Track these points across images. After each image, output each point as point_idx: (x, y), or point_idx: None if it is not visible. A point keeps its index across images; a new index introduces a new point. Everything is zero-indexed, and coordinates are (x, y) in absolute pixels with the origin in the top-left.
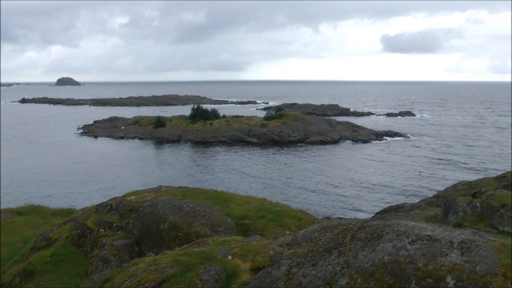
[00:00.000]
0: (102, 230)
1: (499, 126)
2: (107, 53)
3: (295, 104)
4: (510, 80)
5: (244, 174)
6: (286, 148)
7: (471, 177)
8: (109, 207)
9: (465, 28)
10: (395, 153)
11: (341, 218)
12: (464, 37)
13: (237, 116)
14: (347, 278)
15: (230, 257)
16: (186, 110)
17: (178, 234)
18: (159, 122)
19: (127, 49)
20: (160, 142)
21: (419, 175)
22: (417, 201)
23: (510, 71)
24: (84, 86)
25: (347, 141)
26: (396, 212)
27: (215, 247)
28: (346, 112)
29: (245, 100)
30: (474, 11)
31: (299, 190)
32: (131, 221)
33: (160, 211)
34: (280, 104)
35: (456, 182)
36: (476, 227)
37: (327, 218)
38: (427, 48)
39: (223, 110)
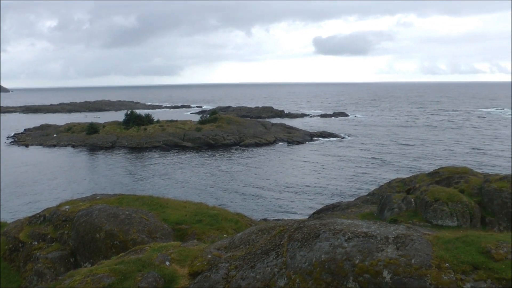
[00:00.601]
0: (36, 243)
1: (431, 124)
2: (36, 58)
3: (229, 107)
4: (440, 80)
5: (180, 179)
6: (222, 152)
7: (405, 174)
8: (42, 218)
9: (395, 31)
10: (330, 154)
11: (278, 220)
12: (394, 40)
13: (171, 121)
14: (285, 279)
15: (168, 263)
16: (119, 116)
17: (115, 242)
18: (92, 128)
19: (57, 53)
20: (93, 149)
21: (354, 174)
22: (353, 199)
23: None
24: (13, 93)
25: (282, 143)
26: (332, 211)
27: (153, 254)
28: (280, 114)
29: (179, 104)
30: (403, 15)
31: (236, 193)
32: (65, 232)
33: (95, 220)
34: (214, 107)
35: (390, 180)
36: (411, 222)
37: (265, 220)
38: (359, 50)
39: (157, 115)
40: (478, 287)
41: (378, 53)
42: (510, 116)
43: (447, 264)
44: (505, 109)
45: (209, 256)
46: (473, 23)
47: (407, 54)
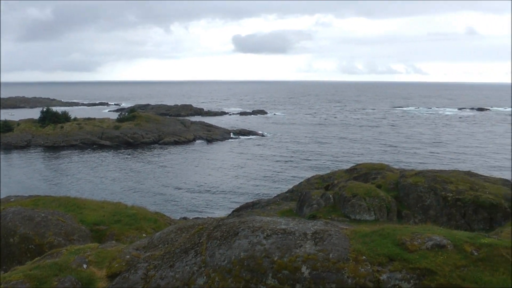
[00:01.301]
0: None
1: (349, 122)
2: None
3: (148, 105)
4: (358, 80)
5: (98, 178)
6: (140, 150)
7: (324, 171)
8: None
9: (314, 30)
10: (250, 151)
11: (197, 218)
12: (313, 39)
13: (89, 119)
14: (204, 277)
15: (85, 266)
16: (35, 113)
17: (30, 246)
18: (6, 126)
19: None
20: (7, 148)
21: (273, 171)
22: (273, 196)
23: (379, 72)
24: None
25: (202, 141)
26: (252, 209)
27: (69, 257)
28: (200, 112)
29: (97, 101)
30: (322, 15)
31: (155, 192)
32: None
33: (9, 224)
34: (133, 105)
35: (309, 177)
36: (329, 217)
37: (184, 219)
38: (278, 49)
39: (74, 112)
40: (393, 277)
41: (298, 52)
42: (425, 114)
43: (364, 257)
44: (420, 107)
45: (128, 256)
46: (389, 25)
47: (326, 53)
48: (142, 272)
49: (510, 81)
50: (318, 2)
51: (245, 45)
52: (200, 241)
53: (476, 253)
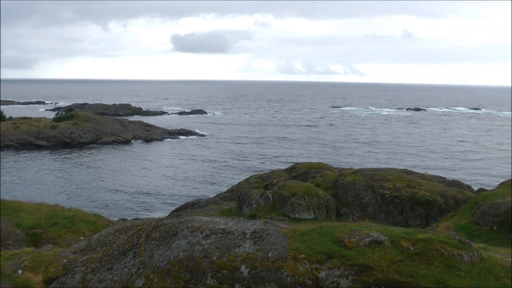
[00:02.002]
0: None
1: (287, 123)
2: None
3: (86, 104)
4: (296, 80)
5: (34, 180)
6: (78, 150)
7: (263, 171)
8: None
9: (253, 30)
10: (189, 151)
11: (136, 219)
12: (252, 39)
13: (24, 118)
14: (143, 279)
15: (20, 271)
16: None
17: None
18: None
19: None
20: None
21: (213, 171)
22: (212, 196)
23: (318, 72)
24: None
25: (140, 141)
26: (191, 209)
27: (4, 263)
28: (138, 111)
29: (33, 100)
30: (261, 15)
31: (93, 193)
32: None
33: None
34: (70, 104)
35: (249, 176)
36: (269, 216)
37: (123, 220)
38: (217, 48)
39: (9, 111)
40: (332, 274)
41: (237, 51)
42: (363, 114)
43: (303, 255)
44: (358, 107)
45: (65, 260)
46: (328, 26)
47: (265, 53)
48: (80, 276)
49: (444, 83)
50: (257, 2)
51: (184, 44)
52: (139, 242)
53: (412, 248)
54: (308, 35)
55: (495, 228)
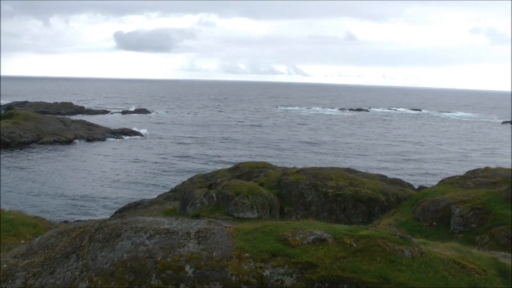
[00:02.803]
0: None
1: (231, 122)
2: None
3: (26, 102)
4: (241, 79)
5: None
6: (18, 150)
7: (207, 170)
8: None
9: (198, 29)
10: (132, 151)
11: (79, 221)
12: (196, 38)
13: None
14: (87, 281)
15: None
16: None
17: None
18: None
19: None
20: None
21: (156, 170)
22: (156, 196)
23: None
24: None
25: (82, 140)
26: (135, 209)
27: None
28: (80, 110)
29: None
30: (205, 14)
31: (34, 195)
32: None
33: None
34: (10, 102)
35: (192, 176)
36: (213, 216)
37: (65, 222)
38: (161, 47)
39: None
40: (276, 272)
41: (181, 51)
42: (306, 114)
43: (247, 254)
44: (302, 107)
45: (5, 265)
46: (272, 26)
47: (209, 53)
48: (21, 281)
49: (386, 84)
50: (202, 1)
51: (127, 42)
52: (82, 244)
53: (355, 245)
54: (252, 35)
55: (435, 223)
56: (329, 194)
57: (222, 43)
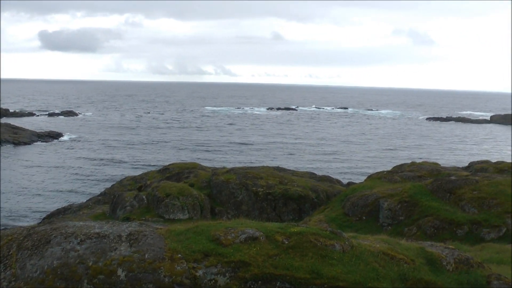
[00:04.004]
0: None
1: (159, 124)
2: None
3: None
4: (168, 80)
5: None
6: None
7: (136, 172)
8: None
9: (124, 30)
10: (59, 154)
11: (6, 229)
12: (123, 39)
13: None
14: None
15: None
16: None
17: None
18: None
19: None
20: None
21: (85, 174)
22: (85, 200)
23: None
24: None
25: (8, 144)
26: (64, 214)
27: None
28: (5, 113)
29: None
30: (132, 15)
31: None
32: None
33: None
34: None
35: (121, 178)
36: (143, 218)
37: None
38: (87, 47)
39: None
40: (209, 272)
41: (107, 51)
42: (235, 113)
43: (179, 255)
44: (230, 107)
45: None
46: (199, 27)
47: (136, 53)
48: None
49: (312, 83)
50: (128, 1)
51: (52, 42)
52: (10, 253)
53: (286, 242)
54: (179, 35)
55: (364, 218)
56: (260, 193)
57: (149, 44)
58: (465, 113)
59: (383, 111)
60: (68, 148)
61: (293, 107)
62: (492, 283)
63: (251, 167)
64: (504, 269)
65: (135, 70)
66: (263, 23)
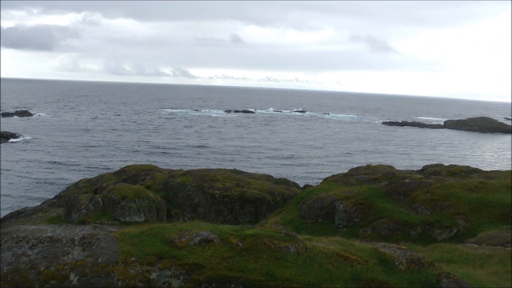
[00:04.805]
0: None
1: (116, 125)
2: None
3: None
4: (126, 81)
5: None
6: None
7: (92, 175)
8: None
9: (81, 28)
10: (13, 156)
11: None
12: (80, 37)
13: None
14: None
15: None
16: None
17: None
18: None
19: None
20: None
21: (39, 177)
22: (40, 203)
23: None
24: None
25: None
26: (17, 218)
27: None
28: None
29: None
30: (89, 13)
31: None
32: None
33: None
34: None
35: (77, 181)
36: (99, 221)
37: None
38: (43, 46)
39: None
40: (163, 275)
41: (64, 49)
42: (193, 116)
43: (133, 258)
44: (187, 109)
45: None
46: (157, 28)
47: (93, 53)
48: None
49: (271, 86)
50: (85, 0)
51: (7, 38)
52: None
53: (241, 244)
54: (137, 36)
55: (320, 220)
56: (216, 195)
57: (107, 44)
58: (420, 118)
59: (340, 115)
60: (22, 150)
61: (251, 109)
62: (442, 281)
63: (208, 170)
64: (454, 268)
65: (92, 70)
66: (222, 25)
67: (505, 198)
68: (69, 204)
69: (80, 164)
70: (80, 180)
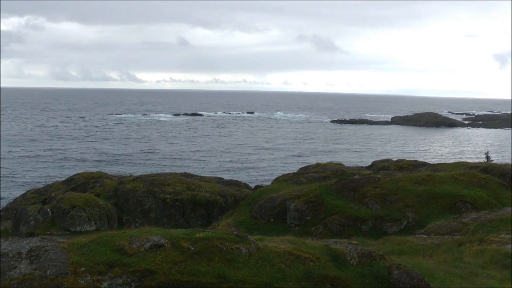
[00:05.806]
0: None
1: (62, 133)
2: None
3: None
4: (72, 86)
5: None
6: None
7: (39, 185)
8: None
9: (25, 33)
10: None
11: None
12: (24, 42)
13: None
14: None
15: None
16: None
17: None
18: None
19: None
20: None
21: None
22: None
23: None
24: None
25: None
26: None
27: None
28: None
29: None
30: (33, 17)
31: None
32: None
33: None
34: None
35: (25, 192)
36: (48, 232)
37: None
38: None
39: None
40: (114, 283)
41: (7, 55)
42: (141, 120)
43: (83, 268)
44: (135, 114)
45: None
46: (103, 32)
47: (38, 58)
48: None
49: (219, 89)
50: (28, 2)
51: None
52: None
53: (192, 248)
54: (83, 40)
55: (272, 220)
56: (167, 200)
57: (52, 48)
58: (368, 115)
59: (289, 115)
60: None
61: (200, 112)
62: (393, 272)
63: (158, 174)
64: (405, 259)
65: (37, 76)
66: (168, 28)
67: (451, 189)
68: (16, 216)
69: (26, 175)
70: (28, 191)
